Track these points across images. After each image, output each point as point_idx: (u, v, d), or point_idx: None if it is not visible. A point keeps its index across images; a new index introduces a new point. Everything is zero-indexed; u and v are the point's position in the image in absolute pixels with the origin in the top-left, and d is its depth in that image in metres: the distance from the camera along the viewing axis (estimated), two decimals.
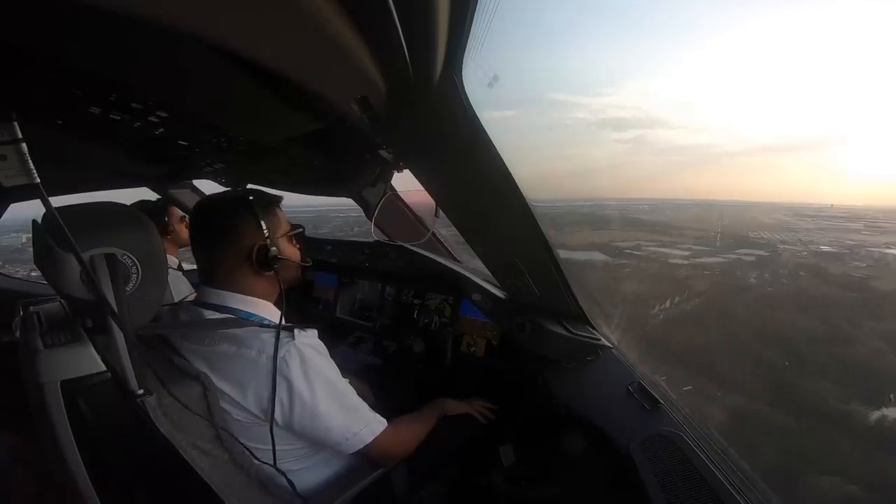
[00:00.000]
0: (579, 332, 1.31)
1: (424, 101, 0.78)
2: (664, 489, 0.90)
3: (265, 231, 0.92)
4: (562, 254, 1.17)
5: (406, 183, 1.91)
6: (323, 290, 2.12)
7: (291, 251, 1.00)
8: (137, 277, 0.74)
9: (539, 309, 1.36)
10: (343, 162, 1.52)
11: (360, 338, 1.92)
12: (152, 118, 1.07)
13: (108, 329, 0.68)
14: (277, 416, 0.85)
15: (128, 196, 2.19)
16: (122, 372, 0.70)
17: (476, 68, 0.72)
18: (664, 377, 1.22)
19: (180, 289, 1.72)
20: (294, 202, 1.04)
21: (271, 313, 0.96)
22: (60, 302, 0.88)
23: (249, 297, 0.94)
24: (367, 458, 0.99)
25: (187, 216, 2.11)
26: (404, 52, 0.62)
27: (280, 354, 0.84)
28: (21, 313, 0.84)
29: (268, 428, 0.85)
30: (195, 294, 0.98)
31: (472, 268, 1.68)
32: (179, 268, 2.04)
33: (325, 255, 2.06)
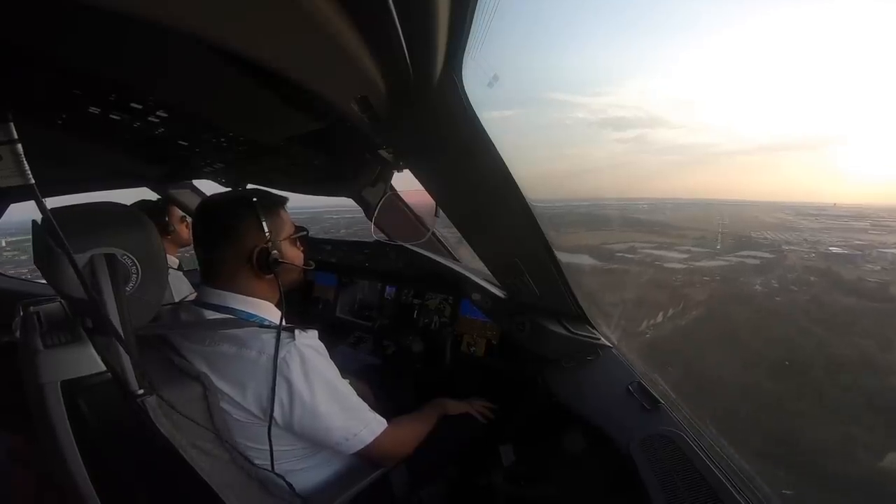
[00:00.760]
0: (579, 332, 1.31)
1: (424, 101, 0.78)
2: (664, 489, 0.90)
3: (267, 233, 0.92)
4: None
5: (406, 183, 1.90)
6: (323, 290, 2.12)
7: (294, 254, 1.00)
8: (137, 277, 0.74)
9: (539, 308, 1.36)
10: (343, 162, 1.51)
11: (360, 338, 1.92)
12: (152, 118, 1.06)
13: (108, 329, 0.68)
14: (277, 416, 0.85)
15: (128, 196, 2.20)
16: (122, 372, 0.70)
17: (476, 68, 0.72)
18: None
19: (180, 289, 1.72)
20: (289, 203, 1.04)
21: (272, 314, 0.96)
22: (60, 302, 0.88)
23: (250, 298, 0.94)
24: (367, 458, 0.99)
25: (187, 216, 2.11)
26: (404, 52, 0.62)
27: (280, 355, 0.84)
28: (21, 313, 0.84)
29: (267, 428, 0.85)
30: (195, 294, 0.98)
31: (472, 267, 1.68)
32: (179, 268, 2.04)
33: (325, 255, 2.06)
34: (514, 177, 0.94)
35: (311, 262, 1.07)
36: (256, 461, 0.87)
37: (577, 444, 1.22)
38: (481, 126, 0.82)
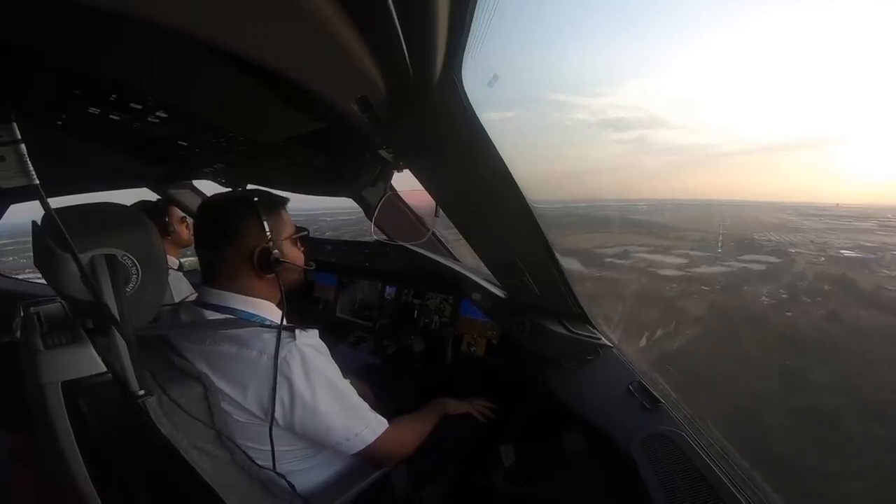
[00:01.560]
0: (579, 332, 1.31)
1: (424, 101, 0.78)
2: (665, 488, 0.90)
3: (268, 233, 0.92)
4: None
5: (406, 183, 1.91)
6: (323, 291, 2.12)
7: (295, 254, 1.00)
8: (137, 278, 0.74)
9: (539, 308, 1.36)
10: (343, 162, 1.52)
11: (361, 338, 1.92)
12: (152, 118, 1.06)
13: (109, 330, 0.68)
14: (278, 416, 0.85)
15: (128, 196, 2.20)
16: (123, 373, 0.70)
17: (476, 68, 0.72)
18: None
19: (180, 289, 1.72)
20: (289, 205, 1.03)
21: (272, 314, 0.96)
22: (60, 303, 0.88)
23: (250, 298, 0.94)
24: (368, 458, 0.99)
25: (187, 217, 2.11)
26: (404, 52, 0.62)
27: (281, 355, 0.84)
28: (21, 314, 0.84)
29: (268, 428, 0.85)
30: (196, 294, 0.98)
31: (472, 267, 1.68)
32: (180, 268, 2.04)
33: (326, 255, 2.07)
34: (514, 176, 0.94)
35: (311, 263, 1.07)
36: (257, 461, 0.87)
37: (578, 444, 1.22)
38: (481, 126, 0.82)
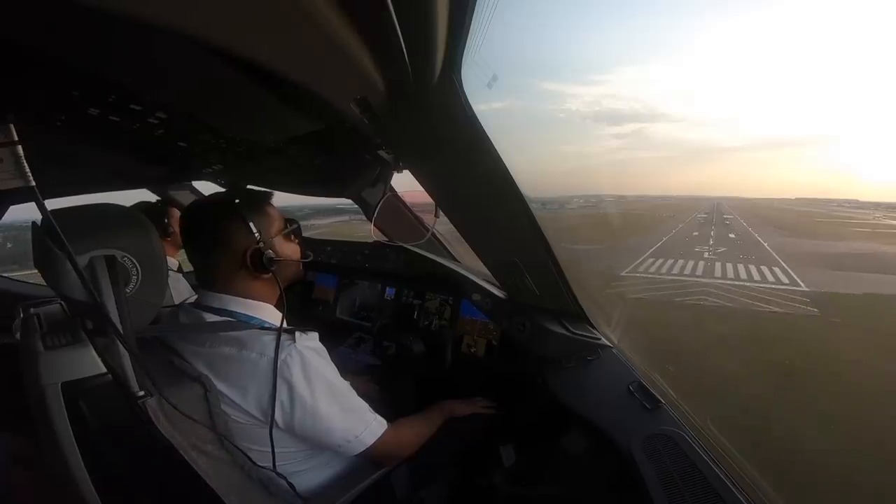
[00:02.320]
0: (579, 332, 1.31)
1: (424, 102, 0.78)
2: (665, 488, 0.90)
3: (256, 234, 0.90)
4: None
5: (406, 183, 1.90)
6: (323, 292, 2.12)
7: (289, 249, 0.98)
8: (137, 279, 0.74)
9: (539, 309, 1.36)
10: (343, 162, 1.51)
11: (361, 338, 1.92)
12: (151, 119, 1.06)
13: (109, 331, 0.68)
14: (278, 418, 0.85)
15: (128, 197, 2.20)
16: (123, 374, 0.70)
17: (475, 68, 0.72)
18: None
19: (180, 290, 1.72)
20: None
21: (272, 316, 0.95)
22: (60, 304, 0.88)
23: (249, 301, 0.93)
24: (369, 458, 0.99)
25: None
26: (404, 53, 0.62)
27: (281, 357, 0.83)
28: (21, 315, 0.84)
29: (268, 430, 0.85)
30: (195, 296, 0.98)
31: (472, 268, 1.68)
32: (179, 269, 2.04)
33: (326, 255, 2.07)
34: (514, 176, 0.94)
35: (308, 254, 1.05)
36: (258, 463, 0.87)
37: (578, 445, 1.22)
38: (481, 126, 0.82)
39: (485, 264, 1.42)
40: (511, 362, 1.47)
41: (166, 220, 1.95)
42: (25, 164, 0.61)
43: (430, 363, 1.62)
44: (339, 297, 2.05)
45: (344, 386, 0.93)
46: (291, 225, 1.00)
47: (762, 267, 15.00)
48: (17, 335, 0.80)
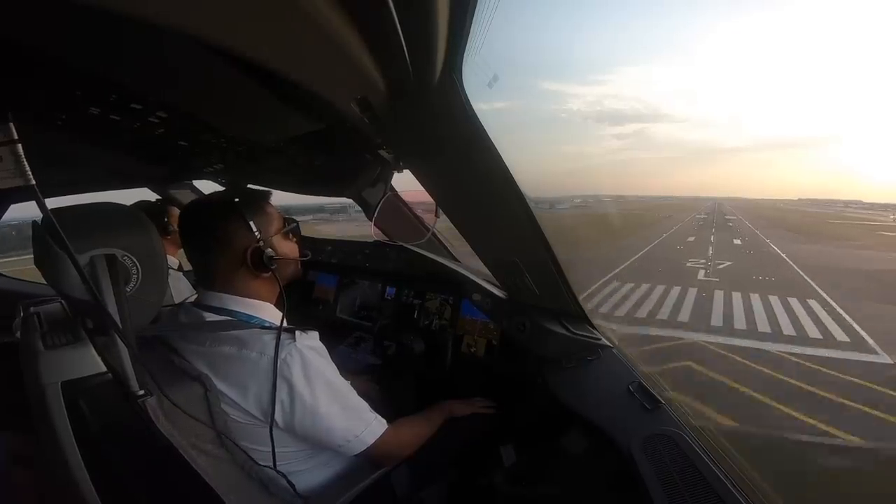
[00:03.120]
0: (579, 332, 1.31)
1: (424, 101, 0.78)
2: (665, 488, 0.90)
3: (256, 233, 0.90)
4: None
5: (406, 183, 1.90)
6: (323, 291, 2.12)
7: (288, 247, 0.99)
8: (138, 278, 0.74)
9: (539, 308, 1.36)
10: (343, 162, 1.52)
11: (361, 338, 1.92)
12: (152, 119, 1.07)
13: (109, 330, 0.68)
14: (278, 417, 0.85)
15: (128, 197, 2.20)
16: (123, 373, 0.70)
17: (476, 68, 0.72)
18: None
19: (180, 289, 1.72)
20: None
21: (272, 315, 0.95)
22: (61, 303, 0.88)
23: (249, 300, 0.93)
24: (369, 458, 0.99)
25: None
26: (404, 53, 0.62)
27: (281, 356, 0.83)
28: (21, 314, 0.84)
29: (268, 429, 0.85)
30: (195, 295, 0.98)
31: (472, 268, 1.68)
32: (179, 268, 2.04)
33: (326, 255, 2.07)
34: (514, 176, 0.94)
35: (307, 252, 1.05)
36: (257, 464, 0.87)
37: (578, 445, 1.22)
38: (481, 126, 0.82)
39: (485, 264, 1.42)
40: (511, 362, 1.47)
41: (166, 219, 1.95)
42: (25, 163, 0.61)
43: (430, 363, 1.62)
44: (339, 297, 2.05)
45: (344, 385, 0.93)
46: (290, 224, 1.00)
47: (790, 300, 8.85)
48: (18, 334, 0.80)
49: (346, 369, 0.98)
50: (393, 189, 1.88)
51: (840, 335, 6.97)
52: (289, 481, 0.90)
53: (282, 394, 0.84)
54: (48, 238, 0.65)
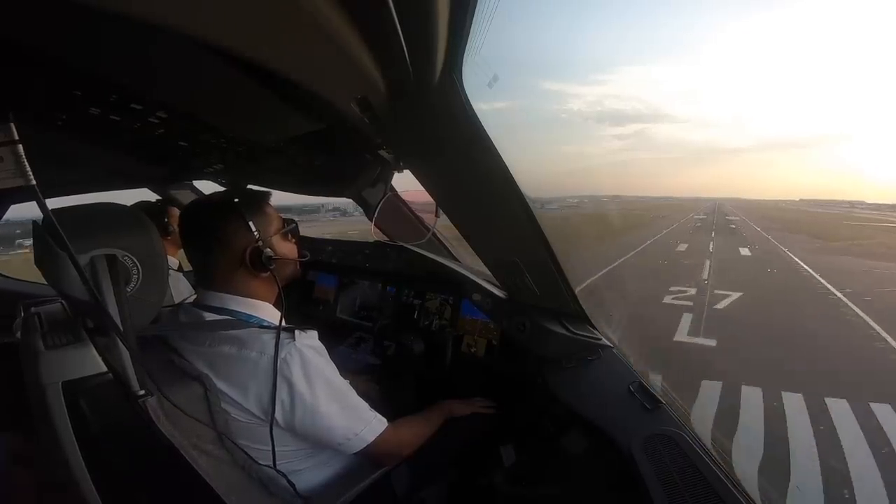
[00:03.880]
0: (580, 332, 1.31)
1: (424, 101, 0.78)
2: (665, 488, 0.90)
3: (255, 232, 0.91)
4: None
5: (406, 183, 1.90)
6: (324, 291, 2.12)
7: (287, 248, 0.99)
8: (138, 278, 0.74)
9: (539, 308, 1.36)
10: (343, 162, 1.52)
11: (361, 338, 1.92)
12: (152, 119, 1.07)
13: (109, 330, 0.68)
14: (278, 416, 0.85)
15: (128, 197, 2.20)
16: (124, 373, 0.70)
17: (476, 68, 0.72)
18: None
19: (180, 289, 1.73)
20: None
21: (271, 315, 0.96)
22: (61, 303, 0.88)
23: (249, 300, 0.94)
24: (368, 457, 0.99)
25: None
26: (404, 52, 0.62)
27: (281, 355, 0.84)
28: (22, 314, 0.84)
29: (269, 429, 0.85)
30: (195, 296, 0.98)
31: (472, 268, 1.68)
32: (179, 268, 2.04)
33: (326, 255, 2.07)
34: (514, 176, 0.94)
35: (305, 253, 1.06)
36: (257, 463, 0.87)
37: (578, 445, 1.22)
38: (481, 126, 0.82)
39: (485, 264, 1.42)
40: (511, 362, 1.47)
41: (166, 220, 1.95)
42: (26, 163, 0.61)
43: (430, 363, 1.62)
44: (339, 297, 2.05)
45: (343, 384, 0.93)
46: (289, 224, 1.00)
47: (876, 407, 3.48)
48: (18, 334, 0.81)
49: (346, 369, 0.98)
50: (393, 189, 1.89)
51: None
52: (289, 480, 0.90)
53: (282, 393, 0.84)
54: (48, 238, 0.65)
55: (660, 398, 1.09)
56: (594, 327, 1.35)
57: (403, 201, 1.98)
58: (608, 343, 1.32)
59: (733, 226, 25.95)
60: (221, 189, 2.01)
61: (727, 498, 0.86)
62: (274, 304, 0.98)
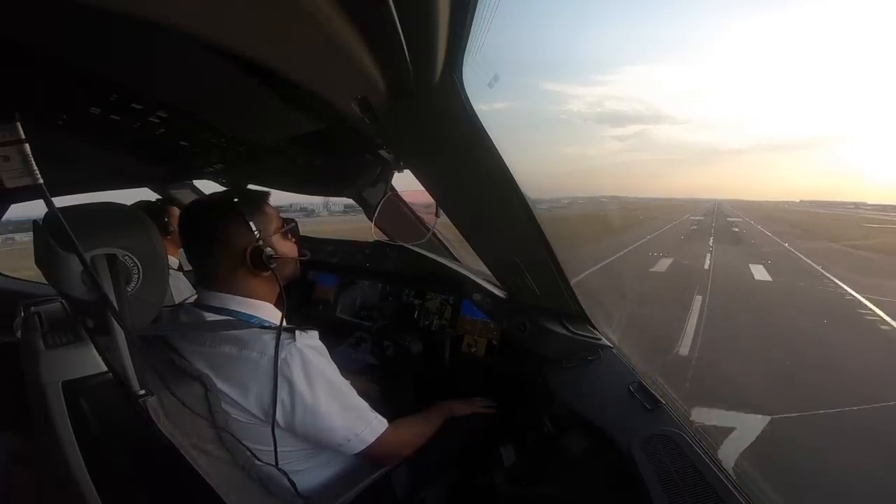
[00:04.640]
0: (580, 332, 1.31)
1: (424, 101, 0.78)
2: (665, 489, 0.90)
3: (256, 232, 0.91)
4: None
5: (406, 183, 1.90)
6: (324, 291, 2.12)
7: (287, 247, 0.99)
8: (138, 278, 0.74)
9: (539, 308, 1.36)
10: (343, 162, 1.52)
11: (361, 338, 1.92)
12: (153, 118, 1.07)
13: (110, 330, 0.68)
14: (279, 416, 0.85)
15: (128, 197, 2.20)
16: (124, 372, 0.70)
17: (476, 68, 0.72)
18: None
19: (180, 289, 1.73)
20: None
21: (272, 315, 0.95)
22: (61, 302, 0.88)
23: (249, 300, 0.93)
24: (369, 457, 0.99)
25: None
26: (404, 52, 0.62)
27: (281, 356, 0.84)
28: (22, 313, 0.84)
29: (269, 429, 0.85)
30: (196, 296, 0.98)
31: (472, 268, 1.68)
32: (180, 268, 2.04)
33: (326, 255, 2.07)
34: (515, 176, 0.94)
35: (305, 252, 1.06)
36: (258, 461, 0.87)
37: (578, 445, 1.22)
38: (481, 126, 0.82)
39: (485, 264, 1.42)
40: (511, 362, 1.47)
41: (166, 219, 1.95)
42: (33, 162, 0.61)
43: (429, 363, 1.62)
44: (339, 297, 2.05)
45: (344, 384, 0.93)
46: (289, 224, 1.01)
47: None
48: (18, 333, 0.81)
49: (346, 369, 0.98)
50: (393, 189, 1.89)
51: None
52: (290, 480, 0.90)
53: (282, 393, 0.84)
54: (49, 237, 0.65)
55: (660, 398, 1.09)
56: (594, 327, 1.35)
57: (403, 201, 1.98)
58: (608, 343, 1.32)
59: (736, 229, 20.71)
60: (222, 189, 2.01)
61: (727, 498, 0.86)
62: (275, 304, 0.98)
